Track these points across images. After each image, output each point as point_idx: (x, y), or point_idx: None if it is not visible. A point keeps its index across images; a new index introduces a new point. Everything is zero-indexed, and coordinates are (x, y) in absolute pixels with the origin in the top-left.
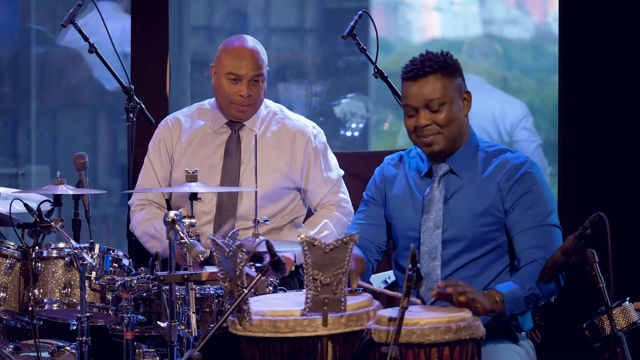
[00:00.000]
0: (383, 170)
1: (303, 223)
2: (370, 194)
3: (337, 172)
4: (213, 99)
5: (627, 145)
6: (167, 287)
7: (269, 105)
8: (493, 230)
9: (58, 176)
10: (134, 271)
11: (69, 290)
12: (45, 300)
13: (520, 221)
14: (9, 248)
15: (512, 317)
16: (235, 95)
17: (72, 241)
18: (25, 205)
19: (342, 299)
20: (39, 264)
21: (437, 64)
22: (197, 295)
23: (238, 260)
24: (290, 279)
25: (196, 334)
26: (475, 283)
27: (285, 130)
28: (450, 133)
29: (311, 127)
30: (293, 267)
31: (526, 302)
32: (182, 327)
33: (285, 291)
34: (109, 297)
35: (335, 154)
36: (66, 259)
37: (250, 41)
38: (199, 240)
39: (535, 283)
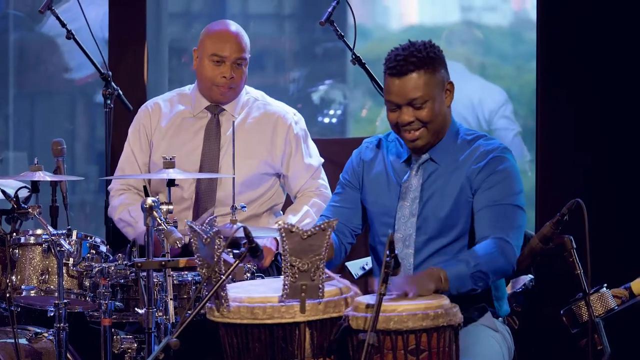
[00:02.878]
0: (361, 153)
1: (282, 211)
2: (346, 177)
3: (318, 159)
4: (193, 85)
5: (604, 132)
6: (145, 274)
7: (249, 91)
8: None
9: (35, 162)
10: (111, 258)
11: (47, 276)
12: (22, 286)
13: (482, 199)
14: None
15: (490, 303)
16: (219, 77)
17: (50, 228)
18: (3, 191)
19: (320, 286)
20: (17, 251)
21: (420, 60)
22: (175, 281)
23: (216, 246)
24: (268, 266)
25: (174, 321)
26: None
27: (266, 117)
28: (434, 127)
29: (292, 114)
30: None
31: (473, 280)
32: (160, 314)
33: (263, 278)
34: (87, 283)
35: (313, 140)
36: (44, 245)
37: (234, 25)
38: (176, 227)
39: (482, 260)
